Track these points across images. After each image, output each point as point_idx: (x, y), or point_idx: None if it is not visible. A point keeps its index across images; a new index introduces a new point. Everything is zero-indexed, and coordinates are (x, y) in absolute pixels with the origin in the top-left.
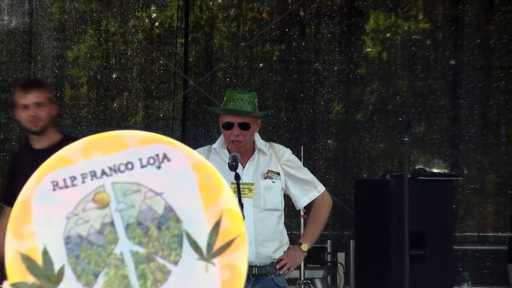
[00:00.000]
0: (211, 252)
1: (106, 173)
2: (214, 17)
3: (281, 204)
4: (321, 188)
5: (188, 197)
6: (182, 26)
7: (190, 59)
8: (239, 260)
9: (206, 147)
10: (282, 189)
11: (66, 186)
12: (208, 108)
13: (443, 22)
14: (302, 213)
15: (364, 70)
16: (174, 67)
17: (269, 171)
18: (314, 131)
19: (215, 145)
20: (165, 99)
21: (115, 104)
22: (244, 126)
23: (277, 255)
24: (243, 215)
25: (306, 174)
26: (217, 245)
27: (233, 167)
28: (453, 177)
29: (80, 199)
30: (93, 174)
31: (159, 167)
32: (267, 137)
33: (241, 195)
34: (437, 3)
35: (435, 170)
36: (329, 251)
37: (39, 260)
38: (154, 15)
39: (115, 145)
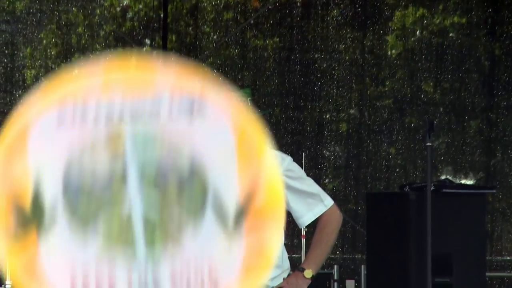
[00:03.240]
0: (238, 224)
1: (126, 118)
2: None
3: None
4: (329, 202)
5: (222, 159)
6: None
7: (169, 46)
8: (269, 240)
9: None
10: None
11: (75, 124)
12: None
13: (477, 2)
14: (303, 233)
15: (382, 62)
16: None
17: None
18: (320, 134)
19: None
20: None
21: None
22: None
23: (275, 283)
24: None
25: (310, 185)
26: (247, 218)
27: None
28: (486, 190)
29: (91, 141)
30: (112, 116)
31: (193, 120)
32: None
33: None
34: None
35: (464, 182)
36: (336, 278)
37: (27, 205)
38: (126, 2)
39: (144, 87)
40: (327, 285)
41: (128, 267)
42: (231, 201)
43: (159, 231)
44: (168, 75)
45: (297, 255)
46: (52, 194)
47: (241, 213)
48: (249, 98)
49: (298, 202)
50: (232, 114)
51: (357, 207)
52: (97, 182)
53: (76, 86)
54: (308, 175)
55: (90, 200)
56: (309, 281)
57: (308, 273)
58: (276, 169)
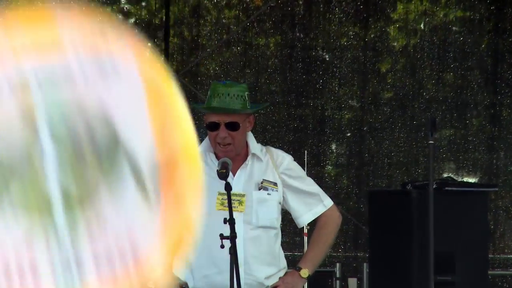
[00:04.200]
0: (156, 189)
1: (38, 84)
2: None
3: (277, 221)
4: (328, 203)
5: (137, 121)
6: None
7: (171, 45)
8: (190, 212)
9: None
10: (280, 202)
11: None
12: (189, 105)
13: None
14: (305, 231)
15: (384, 59)
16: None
17: (264, 180)
18: (322, 131)
19: (200, 148)
20: None
21: None
22: (232, 126)
23: (270, 282)
24: (235, 233)
25: (309, 185)
26: (164, 182)
27: (223, 175)
28: (488, 188)
29: (3, 113)
30: (23, 83)
31: (103, 80)
32: (265, 139)
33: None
34: None
35: (467, 180)
36: (338, 276)
37: None
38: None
39: (50, 49)
40: (329, 283)
41: (48, 245)
42: (148, 162)
43: (78, 201)
44: (73, 32)
45: (299, 253)
46: None
47: (158, 175)
48: (246, 93)
49: (297, 201)
50: (143, 69)
51: (359, 205)
52: (12, 154)
53: None
54: (310, 173)
55: (5, 173)
56: (305, 281)
57: (305, 273)
58: (190, 127)
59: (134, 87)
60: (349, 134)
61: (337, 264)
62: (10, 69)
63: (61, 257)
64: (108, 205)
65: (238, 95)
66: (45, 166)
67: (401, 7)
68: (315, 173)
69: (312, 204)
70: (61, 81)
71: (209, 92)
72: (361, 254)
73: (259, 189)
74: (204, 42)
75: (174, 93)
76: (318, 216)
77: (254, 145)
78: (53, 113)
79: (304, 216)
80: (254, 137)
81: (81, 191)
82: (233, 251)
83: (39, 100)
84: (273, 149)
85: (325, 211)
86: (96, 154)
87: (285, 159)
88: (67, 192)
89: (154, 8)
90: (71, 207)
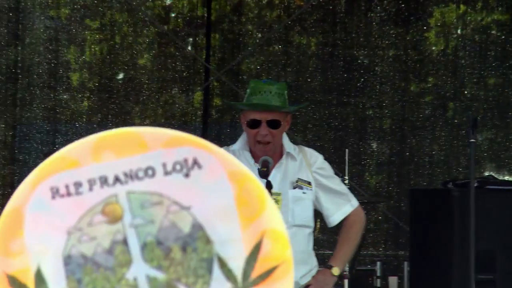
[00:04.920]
0: (247, 281)
1: (120, 180)
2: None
3: (311, 220)
4: (355, 203)
5: (222, 213)
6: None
7: (213, 42)
8: None
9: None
10: (313, 201)
11: (69, 194)
12: (229, 103)
13: None
14: None
15: (425, 58)
16: (193, 52)
17: (299, 179)
18: (363, 130)
19: (234, 147)
20: (183, 91)
21: (121, 98)
22: (274, 124)
23: (304, 281)
24: None
25: (339, 185)
26: (255, 273)
27: (264, 173)
28: None
29: (85, 210)
30: (104, 181)
31: (187, 175)
32: (306, 137)
33: None
34: None
35: (508, 178)
36: (378, 275)
37: (31, 284)
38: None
39: (133, 145)
40: (370, 281)
41: None
42: (237, 256)
43: (165, 286)
44: (158, 130)
45: None
46: (54, 268)
47: (249, 265)
48: (286, 92)
49: (328, 200)
50: (228, 164)
51: (400, 203)
52: (98, 248)
53: (66, 151)
54: (351, 171)
55: (93, 268)
56: (336, 279)
57: (336, 271)
58: (278, 217)
59: (219, 179)
60: (390, 133)
61: (378, 263)
62: (93, 162)
63: None
64: None
65: (278, 93)
66: (129, 252)
67: (438, 11)
68: (356, 172)
69: (341, 204)
70: (142, 174)
71: (248, 90)
72: (402, 253)
73: (294, 188)
74: (245, 41)
75: (256, 180)
76: (346, 216)
77: (288, 145)
78: (137, 205)
79: (334, 215)
80: (295, 135)
81: (170, 283)
82: None
83: (121, 191)
84: (305, 148)
85: (352, 211)
86: (179, 241)
87: (318, 158)
88: (156, 283)
89: (196, 4)
90: None
